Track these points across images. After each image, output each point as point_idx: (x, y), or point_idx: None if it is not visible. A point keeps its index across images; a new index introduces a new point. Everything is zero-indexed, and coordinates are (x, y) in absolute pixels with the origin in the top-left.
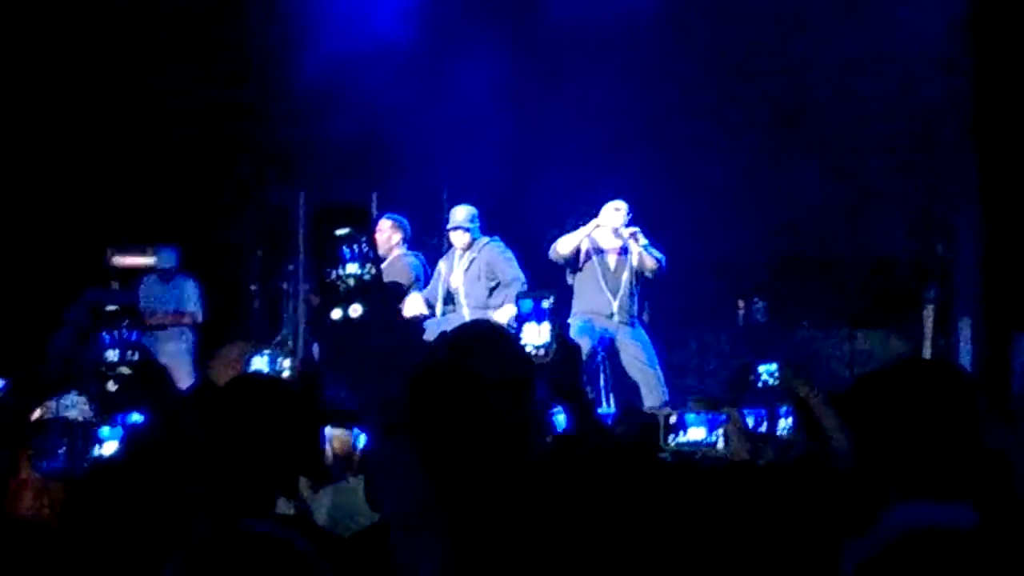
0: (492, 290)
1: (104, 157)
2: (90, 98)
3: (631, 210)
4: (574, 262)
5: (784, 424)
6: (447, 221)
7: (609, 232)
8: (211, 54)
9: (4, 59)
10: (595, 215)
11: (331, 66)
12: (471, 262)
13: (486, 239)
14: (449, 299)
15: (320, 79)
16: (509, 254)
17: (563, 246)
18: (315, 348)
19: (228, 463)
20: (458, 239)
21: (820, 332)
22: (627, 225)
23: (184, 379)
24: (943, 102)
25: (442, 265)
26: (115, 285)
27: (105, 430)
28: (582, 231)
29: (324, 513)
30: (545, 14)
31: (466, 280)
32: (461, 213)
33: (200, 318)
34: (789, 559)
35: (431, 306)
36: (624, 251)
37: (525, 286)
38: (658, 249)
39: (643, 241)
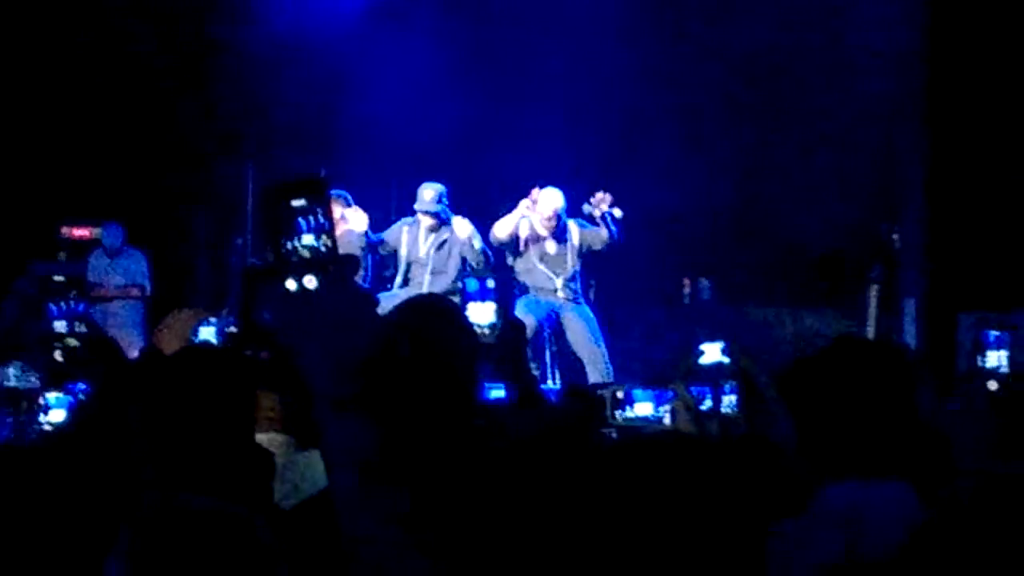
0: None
1: (52, 131)
2: (38, 72)
3: (567, 196)
4: (514, 246)
5: (728, 401)
6: (396, 197)
7: (544, 219)
8: (159, 25)
9: None
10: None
11: (281, 38)
12: (443, 242)
13: (458, 218)
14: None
15: (270, 51)
16: (476, 231)
17: (500, 230)
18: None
19: (175, 435)
20: (426, 222)
21: (766, 311)
22: (562, 220)
23: (134, 351)
24: (893, 85)
25: (402, 236)
26: (62, 257)
27: (52, 398)
28: (516, 213)
29: (293, 476)
30: None
31: (436, 258)
32: (430, 193)
33: (148, 291)
34: (720, 537)
35: (390, 279)
36: (563, 232)
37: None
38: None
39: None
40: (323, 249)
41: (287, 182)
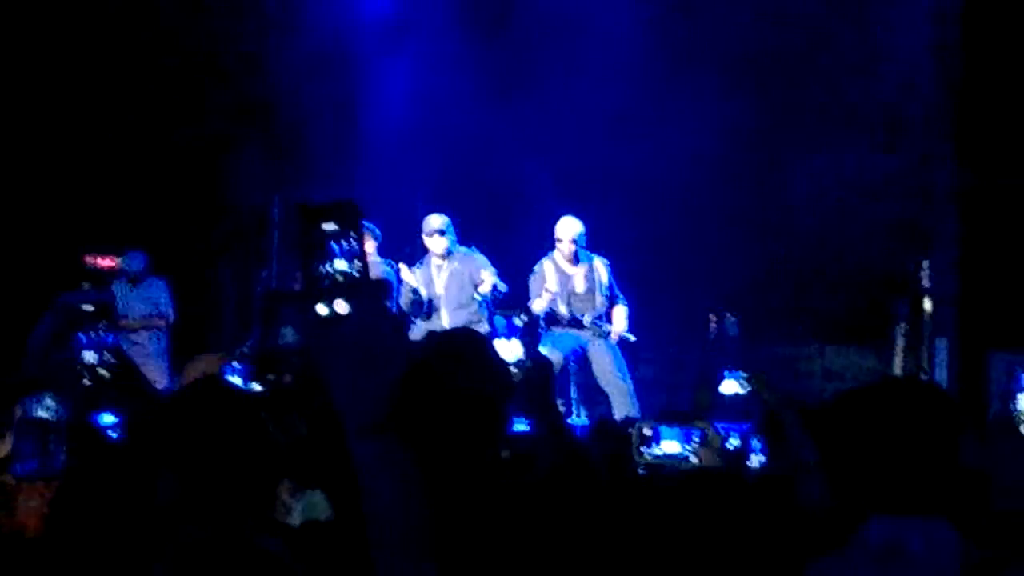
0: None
1: (78, 159)
2: (64, 101)
3: (587, 227)
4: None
5: (752, 438)
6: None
7: (568, 255)
8: (186, 55)
9: None
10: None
11: (309, 69)
12: (452, 273)
13: (465, 249)
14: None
15: (298, 82)
16: (487, 263)
17: (537, 307)
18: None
19: (202, 472)
20: (437, 244)
21: (792, 347)
22: (581, 245)
23: (158, 380)
24: (924, 119)
25: (417, 276)
26: (86, 287)
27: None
28: (547, 291)
29: (298, 514)
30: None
31: (450, 288)
32: (437, 221)
33: (172, 319)
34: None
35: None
36: (590, 269)
37: (504, 288)
38: (623, 298)
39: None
40: (355, 274)
41: (319, 206)
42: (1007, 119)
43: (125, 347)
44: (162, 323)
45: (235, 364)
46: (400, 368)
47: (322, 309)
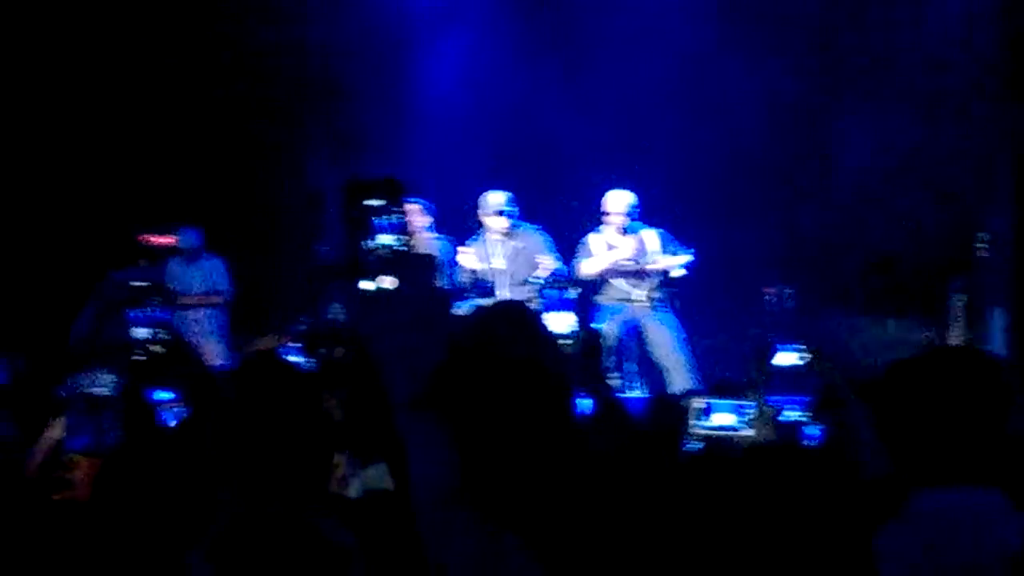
0: None
1: (136, 137)
2: (126, 79)
3: (639, 200)
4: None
5: (807, 409)
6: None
7: (617, 228)
8: (247, 36)
9: (33, 42)
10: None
11: (363, 47)
12: (515, 250)
13: (527, 226)
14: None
15: (353, 60)
16: (551, 242)
17: (589, 268)
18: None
19: (254, 446)
20: (498, 223)
21: (849, 319)
22: (633, 217)
23: (216, 358)
24: (979, 85)
25: (474, 252)
26: (142, 264)
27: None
28: (609, 257)
29: (356, 487)
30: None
31: (511, 266)
32: (499, 197)
33: (229, 297)
34: (814, 547)
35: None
36: (640, 242)
37: (566, 270)
38: (681, 245)
39: (666, 263)
40: (400, 248)
41: (364, 182)
42: None
43: (183, 325)
44: (219, 300)
45: (293, 346)
46: (446, 342)
47: (368, 285)
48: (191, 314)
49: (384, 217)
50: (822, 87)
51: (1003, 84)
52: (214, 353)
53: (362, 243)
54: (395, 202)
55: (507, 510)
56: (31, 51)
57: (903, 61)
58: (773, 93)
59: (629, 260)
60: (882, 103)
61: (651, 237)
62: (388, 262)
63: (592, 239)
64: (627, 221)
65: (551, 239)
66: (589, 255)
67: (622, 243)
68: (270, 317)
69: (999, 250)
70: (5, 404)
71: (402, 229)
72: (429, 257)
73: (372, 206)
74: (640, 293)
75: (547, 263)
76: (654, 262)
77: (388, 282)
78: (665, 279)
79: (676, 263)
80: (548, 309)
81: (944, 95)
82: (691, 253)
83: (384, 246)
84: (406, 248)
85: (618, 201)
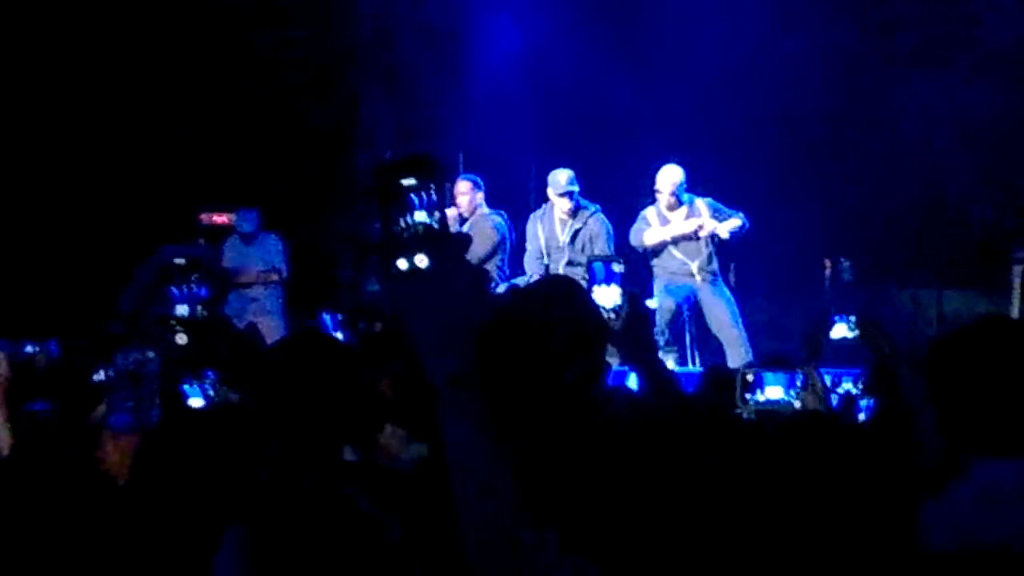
0: None
1: (196, 119)
2: (186, 63)
3: (698, 175)
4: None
5: (857, 385)
6: (535, 182)
7: (670, 203)
8: (307, 20)
9: (93, 24)
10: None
11: (421, 28)
12: (575, 232)
13: (592, 209)
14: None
15: (411, 40)
16: (610, 229)
17: (649, 239)
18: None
19: (291, 419)
20: (564, 204)
21: (909, 292)
22: (685, 190)
23: (275, 335)
24: None
25: (538, 227)
26: (201, 243)
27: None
28: (665, 232)
29: (407, 460)
30: None
31: (571, 251)
32: (564, 176)
33: (286, 275)
34: (866, 518)
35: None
36: (690, 211)
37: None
38: (735, 209)
39: (716, 226)
40: (436, 226)
41: (397, 160)
42: None
43: (242, 304)
44: (276, 278)
45: (328, 314)
46: (483, 320)
47: (402, 263)
48: (251, 292)
49: (418, 195)
50: (883, 56)
51: None
52: (273, 330)
53: (396, 221)
54: (431, 179)
55: (539, 476)
56: (98, 30)
57: (967, 32)
58: (833, 60)
59: (685, 232)
60: (944, 75)
61: (701, 206)
62: (423, 240)
63: (649, 212)
64: (674, 200)
65: (608, 223)
66: (647, 226)
67: (675, 216)
68: (327, 295)
69: None
70: (43, 389)
71: (437, 207)
72: (465, 236)
73: (406, 185)
74: (696, 266)
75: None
76: (701, 227)
77: (423, 260)
78: (718, 248)
79: (727, 228)
80: (594, 282)
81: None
82: (741, 217)
83: (419, 223)
84: (441, 226)
85: (666, 179)
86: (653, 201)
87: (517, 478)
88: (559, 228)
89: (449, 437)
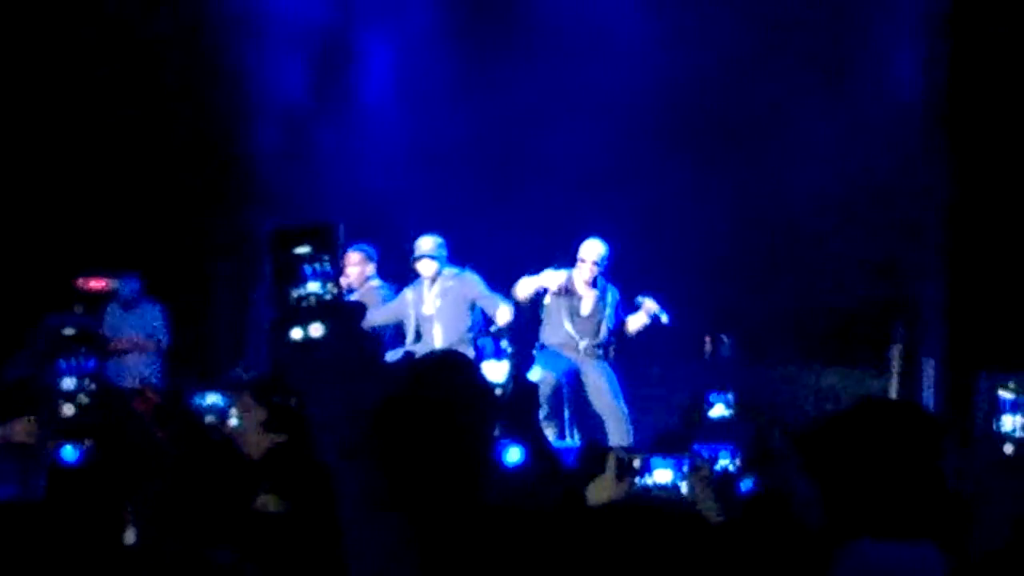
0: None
1: (75, 182)
2: (63, 126)
3: (610, 249)
4: (536, 300)
5: (735, 462)
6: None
7: (588, 278)
8: (176, 80)
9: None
10: (572, 253)
11: (297, 104)
12: (444, 292)
13: (456, 269)
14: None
15: (286, 115)
16: (481, 281)
17: (521, 290)
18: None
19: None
20: (426, 268)
21: (787, 368)
22: (603, 267)
23: None
24: (913, 141)
25: (409, 295)
26: (78, 310)
27: (67, 450)
28: (540, 278)
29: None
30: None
31: (440, 312)
32: (428, 243)
33: (165, 343)
34: None
35: (401, 335)
36: (602, 296)
37: (510, 302)
38: (627, 313)
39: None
40: (328, 297)
41: (293, 229)
42: (997, 132)
43: (118, 371)
44: (153, 346)
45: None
46: (377, 391)
47: (296, 333)
48: (126, 360)
49: (313, 265)
50: (763, 122)
51: (937, 136)
52: None
53: (289, 292)
54: (325, 249)
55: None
56: None
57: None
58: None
59: (556, 283)
60: (823, 153)
61: (612, 298)
62: (316, 311)
63: (557, 272)
64: (597, 270)
65: (480, 279)
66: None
67: (585, 293)
68: (206, 364)
69: (931, 299)
70: None
71: (331, 277)
72: (359, 305)
73: (300, 254)
74: (584, 343)
75: (504, 314)
76: (623, 322)
77: (317, 330)
78: (614, 335)
79: (635, 325)
80: (482, 358)
81: (880, 154)
82: (667, 316)
83: (312, 294)
84: (334, 296)
85: (591, 250)
86: (566, 266)
87: (409, 548)
88: (427, 293)
89: (341, 508)
